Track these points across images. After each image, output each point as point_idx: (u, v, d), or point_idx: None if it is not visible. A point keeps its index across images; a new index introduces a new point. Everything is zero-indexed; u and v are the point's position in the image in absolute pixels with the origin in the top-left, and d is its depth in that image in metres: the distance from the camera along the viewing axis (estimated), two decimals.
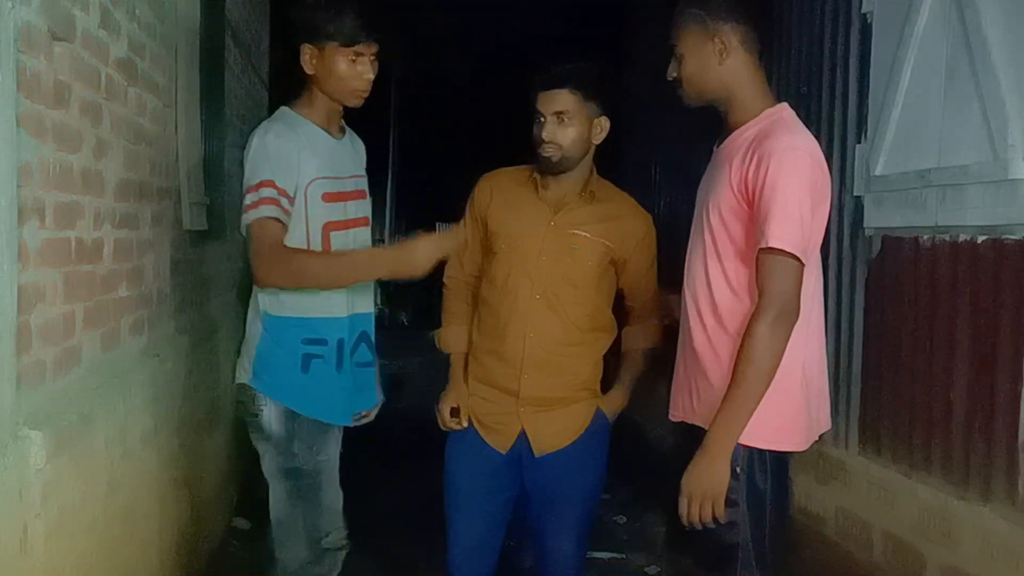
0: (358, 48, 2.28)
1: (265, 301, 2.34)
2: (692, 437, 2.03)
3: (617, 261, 2.53)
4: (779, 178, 1.89)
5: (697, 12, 2.06)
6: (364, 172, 2.55)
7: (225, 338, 3.99)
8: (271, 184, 2.21)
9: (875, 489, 3.13)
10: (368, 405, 2.53)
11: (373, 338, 2.51)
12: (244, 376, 2.39)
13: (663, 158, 6.02)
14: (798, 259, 1.89)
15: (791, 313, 1.90)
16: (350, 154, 2.48)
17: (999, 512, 2.56)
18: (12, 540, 1.72)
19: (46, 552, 1.83)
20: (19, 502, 1.75)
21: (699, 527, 1.94)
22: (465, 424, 2.55)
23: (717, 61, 2.05)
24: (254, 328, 2.38)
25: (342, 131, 2.46)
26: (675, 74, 2.12)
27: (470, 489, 2.56)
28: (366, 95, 2.37)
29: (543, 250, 2.47)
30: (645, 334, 2.64)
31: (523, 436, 2.50)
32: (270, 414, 2.33)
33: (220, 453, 3.81)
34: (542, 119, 2.43)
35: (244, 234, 2.26)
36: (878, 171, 3.12)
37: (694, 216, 2.17)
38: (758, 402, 1.89)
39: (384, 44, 2.32)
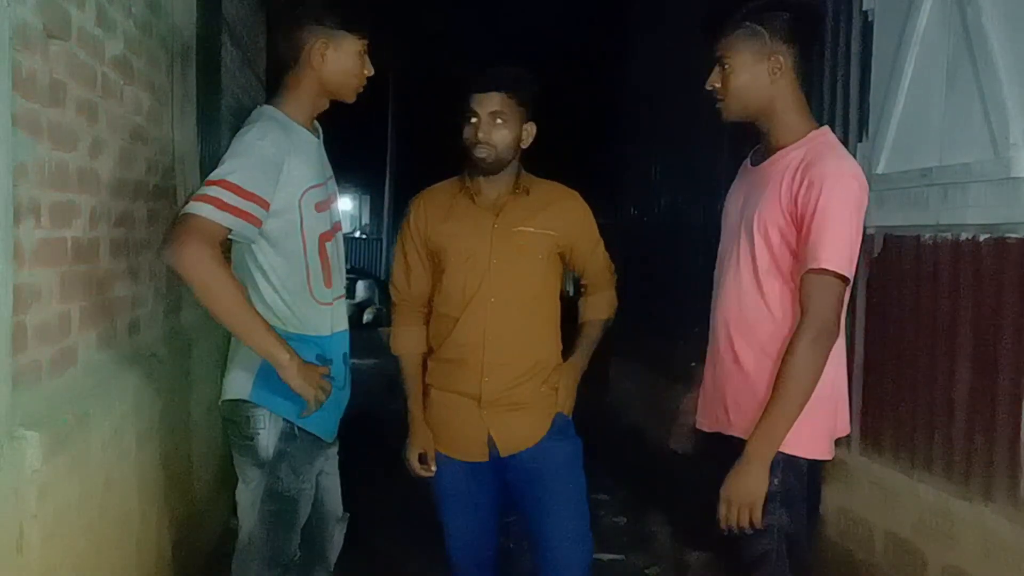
0: (366, 41, 2.21)
1: (278, 317, 2.16)
2: (714, 445, 2.15)
3: (564, 248, 2.57)
4: (832, 201, 1.94)
5: (756, 28, 2.04)
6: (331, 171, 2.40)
7: (222, 337, 3.98)
8: (253, 197, 2.01)
9: (876, 489, 3.12)
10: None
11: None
12: (241, 392, 2.20)
13: (663, 158, 6.01)
14: (845, 280, 1.97)
15: (832, 332, 1.99)
16: (324, 154, 2.33)
17: (1001, 512, 2.55)
18: (8, 541, 1.71)
19: (42, 553, 1.82)
20: (15, 503, 1.74)
21: (736, 532, 2.02)
22: (434, 470, 2.56)
23: (769, 80, 2.06)
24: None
25: (316, 126, 2.32)
26: (717, 84, 2.11)
27: (455, 498, 2.60)
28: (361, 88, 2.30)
29: (493, 254, 2.49)
30: (603, 304, 2.70)
31: (491, 441, 2.51)
32: (268, 434, 2.18)
33: (217, 453, 3.79)
34: (475, 119, 2.44)
35: (178, 211, 2.03)
36: (880, 169, 3.11)
37: (726, 232, 2.21)
38: (797, 416, 1.98)
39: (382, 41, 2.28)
